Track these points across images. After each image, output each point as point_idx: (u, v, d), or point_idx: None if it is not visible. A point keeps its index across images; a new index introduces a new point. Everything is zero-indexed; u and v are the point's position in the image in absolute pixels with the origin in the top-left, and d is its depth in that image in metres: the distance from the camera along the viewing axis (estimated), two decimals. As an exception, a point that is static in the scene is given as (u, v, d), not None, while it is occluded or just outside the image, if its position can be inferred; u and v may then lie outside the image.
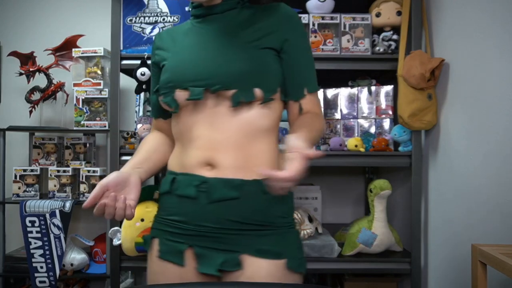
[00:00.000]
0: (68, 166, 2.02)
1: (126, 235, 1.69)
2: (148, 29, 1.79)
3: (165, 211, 1.01)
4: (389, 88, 1.79)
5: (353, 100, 1.82)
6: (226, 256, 0.92)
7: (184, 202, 0.96)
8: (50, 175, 1.98)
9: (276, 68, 0.98)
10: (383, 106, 1.79)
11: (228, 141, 0.93)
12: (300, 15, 1.77)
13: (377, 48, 1.75)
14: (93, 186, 1.95)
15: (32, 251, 1.86)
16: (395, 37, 1.75)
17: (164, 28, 1.79)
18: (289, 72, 1.00)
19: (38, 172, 2.01)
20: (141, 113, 2.12)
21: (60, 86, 2.08)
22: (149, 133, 1.16)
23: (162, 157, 1.09)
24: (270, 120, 0.98)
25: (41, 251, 1.86)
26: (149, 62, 1.74)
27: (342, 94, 1.83)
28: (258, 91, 0.93)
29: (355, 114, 1.81)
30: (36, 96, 2.08)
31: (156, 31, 1.79)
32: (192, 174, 0.96)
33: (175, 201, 0.98)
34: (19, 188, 1.98)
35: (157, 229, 1.02)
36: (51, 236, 1.87)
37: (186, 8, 1.79)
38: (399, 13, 1.74)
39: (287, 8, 1.02)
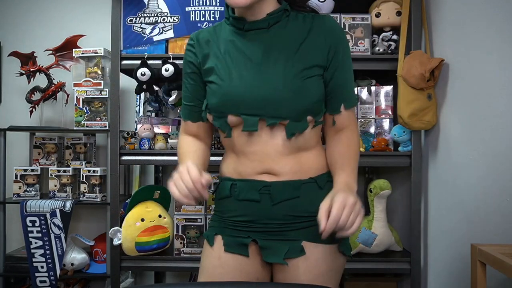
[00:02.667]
0: (68, 166, 2.02)
1: (126, 235, 1.69)
2: (148, 29, 1.80)
3: (227, 213, 1.06)
4: (389, 88, 1.79)
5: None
6: (290, 245, 1.00)
7: (248, 205, 1.02)
8: (51, 175, 1.98)
9: (323, 93, 1.00)
10: (383, 106, 1.79)
11: (282, 155, 1.00)
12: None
13: (377, 48, 1.75)
14: (93, 186, 1.95)
15: (32, 250, 1.87)
16: (395, 37, 1.75)
17: (164, 28, 1.79)
18: (331, 87, 1.01)
19: (39, 172, 2.02)
20: (141, 113, 2.12)
21: (61, 86, 2.08)
22: (180, 136, 1.15)
23: (206, 162, 1.12)
24: (318, 137, 1.06)
25: (41, 251, 1.87)
26: (150, 62, 1.74)
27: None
28: (310, 118, 0.98)
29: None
30: (37, 96, 2.09)
31: (156, 31, 1.79)
32: (252, 179, 1.01)
33: (238, 204, 1.03)
34: (19, 188, 1.98)
35: (218, 227, 1.07)
36: (52, 235, 1.87)
37: (187, 9, 1.79)
38: (398, 13, 1.74)
39: (332, 22, 1.01)
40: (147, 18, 1.80)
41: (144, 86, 1.76)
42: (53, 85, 2.07)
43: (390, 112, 1.79)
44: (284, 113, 0.96)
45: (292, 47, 0.98)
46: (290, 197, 1.00)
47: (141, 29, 1.80)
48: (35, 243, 1.87)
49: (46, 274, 1.88)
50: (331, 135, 1.06)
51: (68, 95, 2.12)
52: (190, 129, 1.12)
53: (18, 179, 1.99)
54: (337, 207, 0.84)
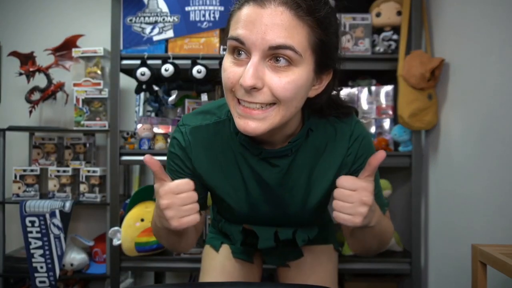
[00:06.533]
0: (68, 166, 2.02)
1: (126, 235, 1.69)
2: (148, 29, 1.79)
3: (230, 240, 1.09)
4: (389, 88, 1.79)
5: (353, 100, 1.82)
6: (290, 249, 1.08)
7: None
8: (50, 175, 1.98)
9: None
10: (383, 106, 1.79)
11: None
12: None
13: (377, 48, 1.75)
14: (93, 186, 1.95)
15: (32, 251, 1.86)
16: (395, 37, 1.75)
17: (164, 28, 1.79)
18: None
19: (38, 172, 2.01)
20: (141, 113, 2.11)
21: (60, 86, 2.08)
22: None
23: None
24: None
25: (41, 251, 1.86)
26: (149, 62, 1.74)
27: (342, 94, 1.82)
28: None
29: (355, 114, 1.81)
30: (36, 96, 2.08)
31: (156, 31, 1.79)
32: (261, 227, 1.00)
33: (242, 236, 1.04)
34: (19, 188, 1.98)
35: (223, 238, 1.12)
36: (51, 236, 1.87)
37: (187, 8, 1.79)
38: (399, 13, 1.74)
39: (358, 131, 0.88)
40: (146, 18, 1.79)
41: (143, 86, 1.76)
42: (52, 85, 2.06)
43: (390, 112, 1.78)
44: (295, 231, 0.99)
45: (311, 165, 0.87)
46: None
47: (141, 29, 1.79)
48: (35, 243, 1.86)
49: (46, 275, 1.87)
50: None
51: (67, 95, 2.11)
52: None
53: (18, 179, 1.98)
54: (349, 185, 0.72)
